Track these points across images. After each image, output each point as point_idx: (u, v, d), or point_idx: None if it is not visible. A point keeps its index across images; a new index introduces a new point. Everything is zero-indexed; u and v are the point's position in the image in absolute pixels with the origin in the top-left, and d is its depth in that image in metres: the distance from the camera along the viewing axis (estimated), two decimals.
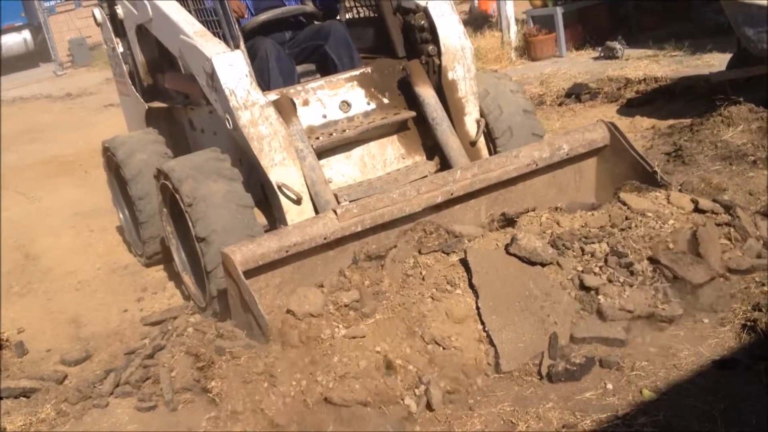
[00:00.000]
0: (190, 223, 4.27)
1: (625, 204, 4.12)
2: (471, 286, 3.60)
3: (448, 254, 3.81)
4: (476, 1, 15.41)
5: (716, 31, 9.46)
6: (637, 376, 3.27)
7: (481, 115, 4.87)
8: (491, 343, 3.42)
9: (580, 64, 9.87)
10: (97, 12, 6.09)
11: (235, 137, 4.39)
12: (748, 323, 3.45)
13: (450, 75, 4.74)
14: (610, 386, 3.22)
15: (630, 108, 7.77)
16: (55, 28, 23.52)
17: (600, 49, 10.02)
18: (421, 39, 4.84)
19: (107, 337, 4.68)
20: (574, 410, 3.12)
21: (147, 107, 5.90)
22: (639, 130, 7.01)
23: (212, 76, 4.23)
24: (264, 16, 5.11)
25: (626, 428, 2.95)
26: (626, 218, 4.01)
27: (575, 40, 10.87)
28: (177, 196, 4.36)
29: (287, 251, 3.74)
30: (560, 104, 8.50)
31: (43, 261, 6.31)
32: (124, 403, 3.71)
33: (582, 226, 4.00)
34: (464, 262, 3.71)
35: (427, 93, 4.73)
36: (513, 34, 11.24)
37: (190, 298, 4.76)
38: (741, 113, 6.00)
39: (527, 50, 10.98)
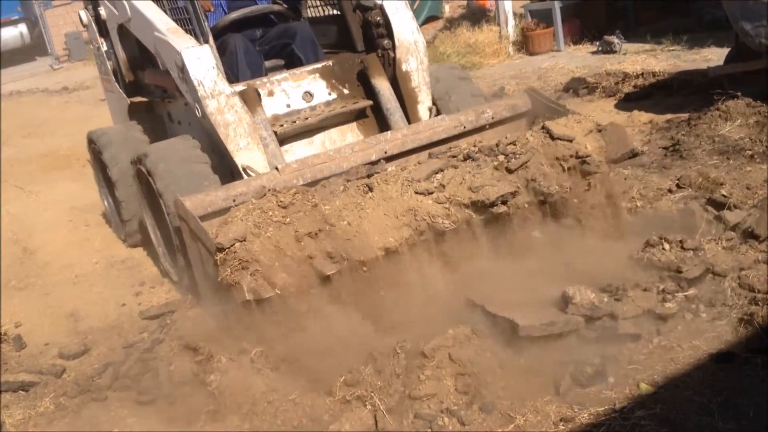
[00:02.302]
0: (160, 200, 4.66)
1: (545, 129, 4.31)
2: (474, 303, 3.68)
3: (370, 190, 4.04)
4: None
5: (714, 26, 9.47)
6: (634, 369, 3.29)
7: (433, 102, 5.21)
8: (505, 321, 3.44)
9: (578, 59, 9.86)
10: (83, 14, 6.47)
11: (204, 125, 4.67)
12: (745, 317, 3.46)
13: (404, 67, 5.11)
14: (609, 379, 3.23)
15: (628, 102, 7.77)
16: (52, 22, 23.48)
17: (598, 43, 10.03)
18: (377, 34, 5.22)
19: (105, 330, 4.69)
20: (572, 404, 3.13)
21: (129, 102, 6.23)
22: (637, 125, 7.01)
23: (182, 68, 4.55)
24: (235, 14, 5.46)
25: (624, 421, 2.96)
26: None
27: (573, 34, 10.86)
28: (150, 178, 4.75)
29: (234, 200, 4.03)
30: (558, 99, 8.48)
31: (40, 255, 6.31)
32: (123, 396, 3.73)
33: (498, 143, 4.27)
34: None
35: (382, 84, 5.13)
36: (511, 28, 11.22)
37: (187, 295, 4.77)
38: (738, 108, 6.02)
39: (525, 45, 10.97)
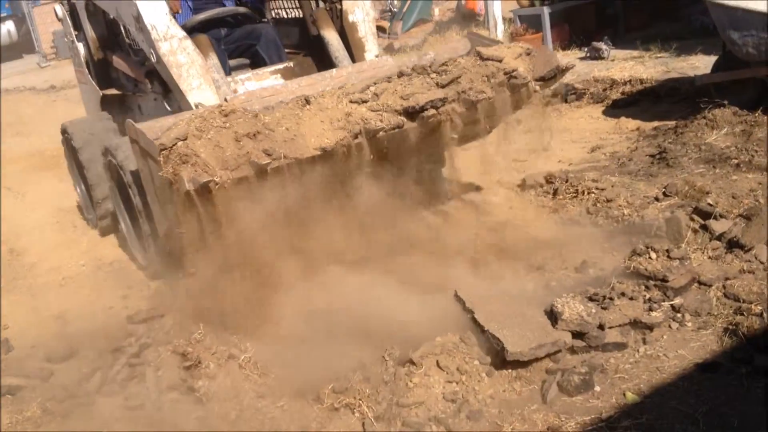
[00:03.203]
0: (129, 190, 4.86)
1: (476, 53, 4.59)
2: (465, 309, 3.70)
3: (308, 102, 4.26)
4: (463, 0, 15.42)
5: (703, 33, 9.52)
6: (620, 378, 3.32)
7: None
8: (494, 339, 3.45)
9: None
10: (58, 8, 6.72)
11: (159, 71, 4.87)
12: (731, 327, 3.50)
13: (350, 18, 5.36)
14: (595, 389, 3.26)
15: (615, 109, 7.83)
16: (39, 19, 23.31)
17: (586, 49, 10.06)
18: None
19: (93, 334, 4.63)
20: (558, 413, 3.15)
21: (102, 94, 6.44)
22: (624, 132, 7.06)
23: (138, 17, 4.76)
24: (203, 15, 5.62)
25: (610, 431, 2.99)
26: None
27: (562, 39, 10.89)
28: (120, 170, 4.94)
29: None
30: (546, 104, 8.51)
31: (27, 257, 6.28)
32: (111, 401, 3.70)
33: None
34: (457, 297, 3.81)
35: (331, 35, 5.41)
36: (500, 33, 11.24)
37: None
38: (725, 116, 6.08)
39: None
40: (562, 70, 4.76)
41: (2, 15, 24.70)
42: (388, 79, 4.48)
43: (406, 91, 4.32)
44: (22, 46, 24.49)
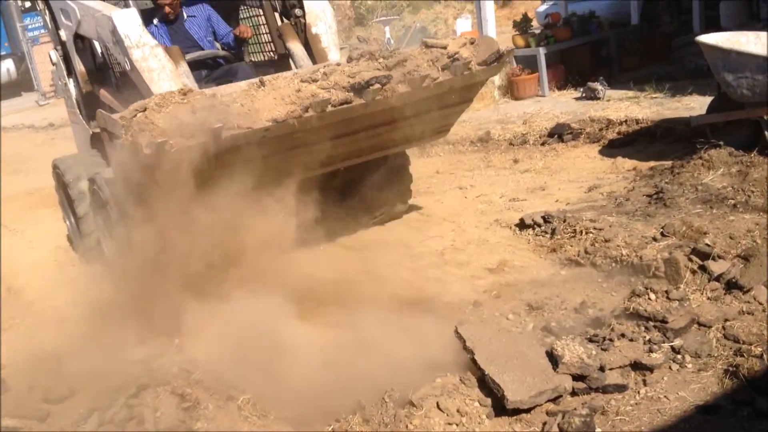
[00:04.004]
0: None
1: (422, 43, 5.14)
2: (465, 348, 3.69)
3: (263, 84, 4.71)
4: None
5: (696, 74, 9.63)
6: (621, 420, 3.31)
7: None
8: (494, 384, 3.43)
9: (562, 104, 9.99)
10: (52, 54, 7.01)
11: (134, 79, 5.12)
12: (731, 368, 3.50)
13: (314, 30, 5.78)
14: (596, 431, 3.24)
15: (612, 149, 7.88)
16: (39, 58, 23.44)
17: (582, 89, 10.15)
18: (290, 5, 5.93)
19: (90, 374, 4.61)
20: None
21: (91, 132, 6.57)
22: (621, 171, 7.10)
23: (114, 30, 5.03)
24: (187, 58, 5.81)
25: None
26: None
27: (557, 80, 11.00)
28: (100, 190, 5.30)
29: None
30: (543, 144, 8.59)
31: (25, 295, 6.25)
32: None
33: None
34: (457, 334, 3.79)
35: (296, 47, 5.78)
36: (495, 76, 11.34)
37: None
38: (721, 157, 6.12)
39: (510, 89, 11.10)
40: (502, 55, 5.08)
41: (2, 53, 24.88)
42: (338, 64, 4.96)
43: (353, 71, 4.74)
44: (22, 84, 24.65)
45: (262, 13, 6.58)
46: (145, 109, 4.17)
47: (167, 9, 6.19)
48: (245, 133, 4.34)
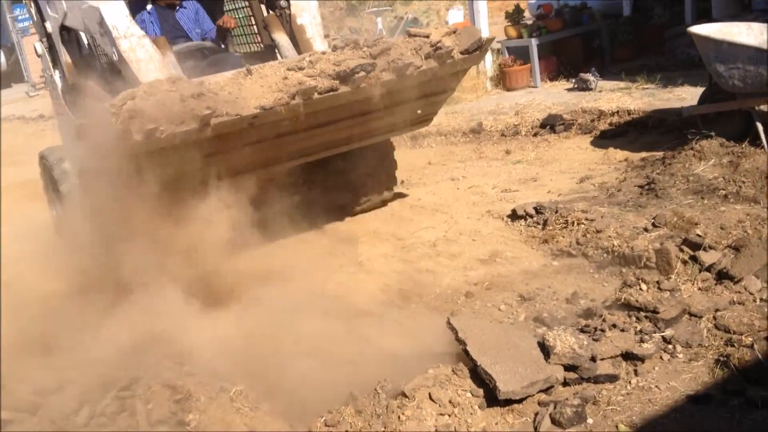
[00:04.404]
0: None
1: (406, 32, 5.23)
2: (457, 339, 3.68)
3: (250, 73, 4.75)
4: None
5: (688, 65, 9.65)
6: (613, 410, 3.31)
7: None
8: (486, 375, 3.44)
9: (554, 95, 9.99)
10: (38, 46, 6.95)
11: (122, 70, 5.09)
12: (722, 358, 3.51)
13: (299, 21, 5.78)
14: (588, 421, 3.25)
15: (603, 140, 7.89)
16: (29, 49, 23.31)
17: (574, 80, 10.15)
18: None
19: (82, 365, 4.60)
20: None
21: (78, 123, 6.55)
22: (612, 162, 7.11)
23: (101, 22, 5.02)
24: (174, 49, 5.88)
25: None
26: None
27: (549, 71, 11.00)
28: None
29: None
30: (535, 135, 8.59)
31: (17, 286, 6.21)
32: None
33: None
34: (449, 325, 3.79)
35: (281, 38, 5.80)
36: (488, 64, 11.34)
37: None
38: (712, 147, 6.13)
39: (502, 80, 11.09)
40: (483, 43, 5.21)
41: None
42: (323, 53, 5.01)
43: (338, 59, 4.82)
44: (12, 75, 24.52)
45: (247, 4, 6.60)
46: (134, 98, 4.19)
47: None
48: (233, 120, 4.40)
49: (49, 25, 6.49)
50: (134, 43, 5.02)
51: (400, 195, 7.12)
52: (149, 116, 4.17)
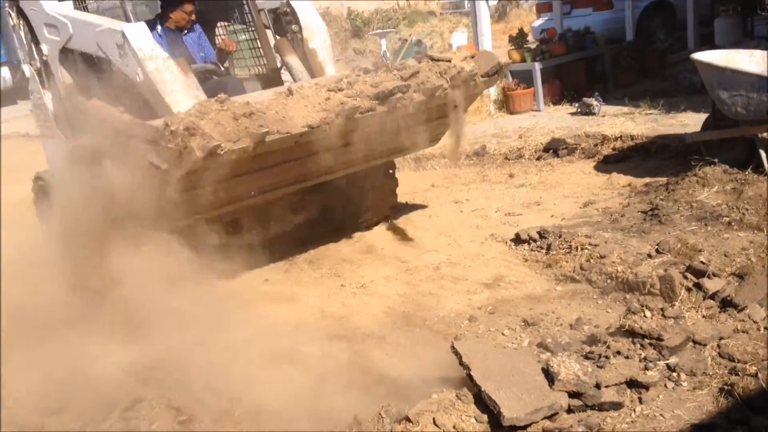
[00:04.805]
0: None
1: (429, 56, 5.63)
2: (461, 364, 3.68)
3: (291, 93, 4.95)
4: None
5: (691, 90, 9.70)
6: None
7: None
8: (490, 401, 3.43)
9: (557, 119, 10.03)
10: (26, 68, 6.88)
11: (143, 92, 5.26)
12: (726, 387, 3.51)
13: (311, 44, 6.12)
14: None
15: (607, 164, 7.92)
16: None
17: (577, 104, 10.20)
18: (285, 22, 6.23)
19: (85, 385, 4.60)
20: None
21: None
22: (616, 187, 7.13)
23: (123, 45, 5.20)
24: None
25: None
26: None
27: (553, 94, 11.06)
28: None
29: None
30: (538, 158, 8.62)
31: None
32: None
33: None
34: (453, 350, 3.79)
35: (294, 60, 6.09)
36: (492, 87, 11.40)
37: None
38: (716, 174, 6.15)
39: (506, 104, 11.15)
40: (501, 67, 5.69)
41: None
42: (357, 75, 5.28)
43: (375, 80, 5.14)
44: (17, 92, 24.58)
45: (249, 29, 6.67)
46: (191, 115, 4.39)
47: (188, 18, 6.37)
48: (284, 137, 4.59)
49: (45, 48, 6.46)
50: (159, 64, 5.17)
51: (404, 217, 7.14)
52: (208, 134, 4.31)
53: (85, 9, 6.21)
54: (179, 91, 5.18)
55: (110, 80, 6.17)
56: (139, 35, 5.20)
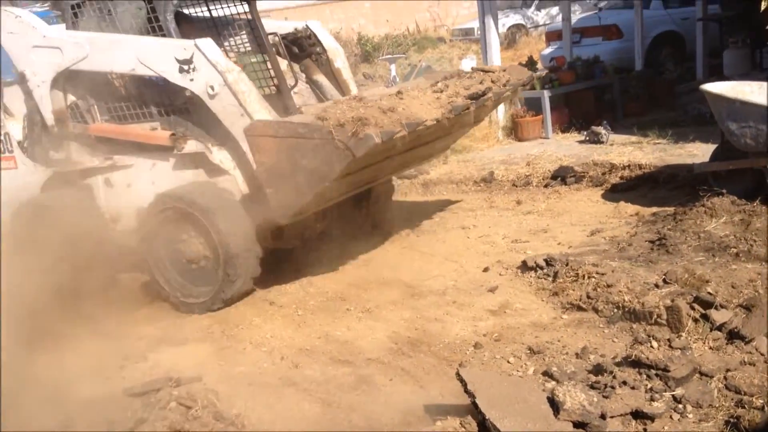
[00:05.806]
0: None
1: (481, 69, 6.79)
2: (466, 392, 3.66)
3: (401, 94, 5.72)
4: None
5: (699, 121, 9.70)
6: None
7: None
8: (495, 430, 3.40)
9: (565, 147, 10.05)
10: None
11: (210, 106, 5.59)
12: (732, 419, 3.48)
13: (336, 64, 6.93)
14: None
15: (614, 193, 7.91)
16: None
17: (585, 133, 10.22)
18: (308, 44, 6.89)
19: (89, 406, 4.58)
20: None
21: (52, 172, 6.43)
22: (623, 216, 7.12)
23: (190, 60, 5.52)
24: None
25: None
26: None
27: (561, 122, 11.08)
28: None
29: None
30: (546, 186, 8.62)
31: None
32: None
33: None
34: (458, 377, 3.78)
35: (321, 79, 6.81)
36: (501, 114, 11.44)
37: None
38: (724, 205, 6.14)
39: (514, 131, 11.18)
40: (533, 78, 7.06)
41: (8, 80, 25.05)
42: (443, 80, 6.24)
43: (463, 85, 6.02)
44: None
45: (258, 52, 6.68)
46: (355, 109, 4.96)
47: None
48: (428, 127, 5.25)
49: (29, 73, 6.34)
50: (236, 76, 5.53)
51: (410, 242, 7.14)
52: (374, 124, 4.80)
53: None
54: (255, 101, 5.54)
55: (140, 98, 6.15)
56: (213, 49, 5.52)
